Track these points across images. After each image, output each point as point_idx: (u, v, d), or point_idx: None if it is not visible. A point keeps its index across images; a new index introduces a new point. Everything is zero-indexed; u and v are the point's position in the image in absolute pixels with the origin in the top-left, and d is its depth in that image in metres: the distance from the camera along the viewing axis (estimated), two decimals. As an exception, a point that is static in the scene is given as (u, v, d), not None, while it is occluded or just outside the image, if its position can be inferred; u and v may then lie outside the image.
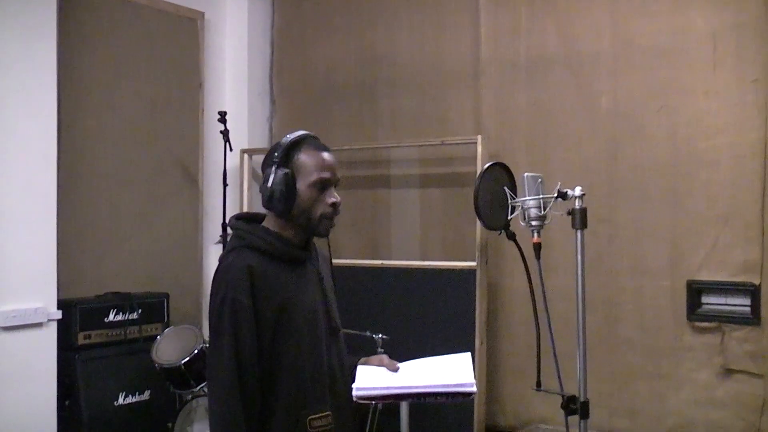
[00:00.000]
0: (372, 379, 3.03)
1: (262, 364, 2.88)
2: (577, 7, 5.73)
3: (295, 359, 2.92)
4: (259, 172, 6.81)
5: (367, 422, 5.56)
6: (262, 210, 3.12)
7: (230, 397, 2.81)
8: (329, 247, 3.24)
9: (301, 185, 2.95)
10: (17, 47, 5.25)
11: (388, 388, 2.99)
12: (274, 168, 2.95)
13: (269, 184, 2.94)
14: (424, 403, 3.09)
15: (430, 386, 2.98)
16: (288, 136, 3.04)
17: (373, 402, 3.11)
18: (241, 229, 3.03)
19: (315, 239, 3.18)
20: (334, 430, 3.01)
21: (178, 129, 7.01)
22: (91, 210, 6.29)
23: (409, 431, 5.45)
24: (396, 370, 3.09)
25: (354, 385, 2.98)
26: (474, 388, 2.95)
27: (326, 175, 2.98)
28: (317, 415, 2.94)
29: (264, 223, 3.06)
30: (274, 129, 7.32)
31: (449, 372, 3.06)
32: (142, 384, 6.06)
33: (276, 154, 2.98)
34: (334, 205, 3.00)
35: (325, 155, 3.02)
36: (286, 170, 2.94)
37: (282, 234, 3.00)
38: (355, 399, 2.96)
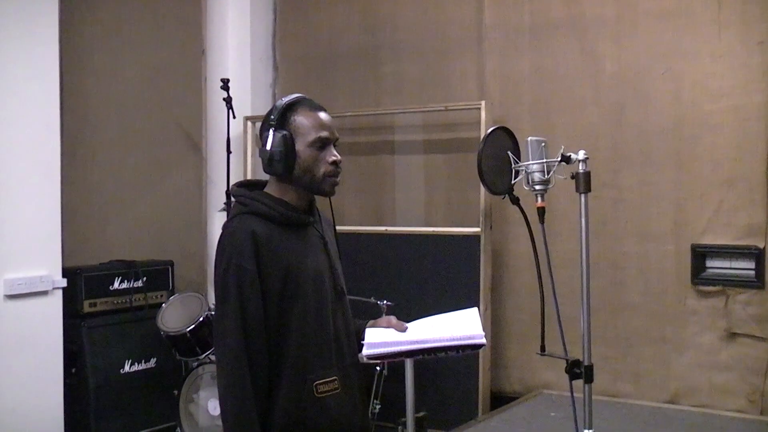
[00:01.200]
0: (381, 338, 3.03)
1: (269, 330, 2.88)
2: (581, -30, 5.70)
3: (302, 324, 2.92)
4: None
5: (372, 388, 5.59)
6: (266, 177, 3.11)
7: (238, 362, 2.81)
8: (332, 212, 3.23)
9: (300, 145, 2.94)
10: (19, 13, 5.21)
11: (397, 343, 2.99)
12: (271, 131, 2.94)
13: (268, 147, 2.94)
14: (435, 358, 3.07)
15: (440, 340, 2.97)
16: (282, 99, 3.03)
17: (383, 361, 3.11)
18: (243, 196, 3.01)
19: (318, 205, 3.18)
20: (341, 394, 3.01)
21: (181, 96, 7.01)
22: (95, 177, 6.31)
23: (414, 397, 5.47)
24: (404, 330, 3.09)
25: (364, 343, 2.99)
26: (483, 340, 2.95)
27: (324, 133, 2.97)
28: (323, 380, 2.94)
29: (266, 189, 3.05)
30: (278, 96, 7.28)
31: (458, 325, 3.06)
32: (147, 351, 6.10)
33: (272, 117, 2.97)
34: (335, 163, 2.99)
35: (322, 114, 3.01)
36: (284, 132, 2.93)
37: (284, 198, 2.99)
38: (365, 358, 2.96)
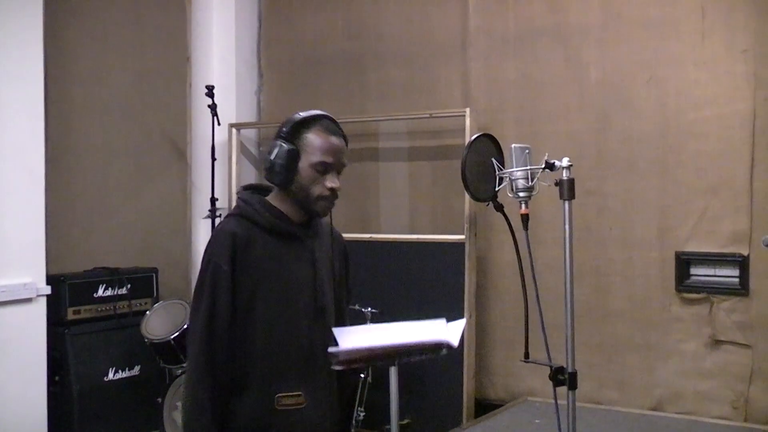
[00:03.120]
0: (348, 339, 3.02)
1: (236, 333, 2.89)
2: (566, -23, 5.71)
3: (269, 333, 2.93)
4: (248, 146, 6.83)
5: (357, 395, 5.57)
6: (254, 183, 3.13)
7: (200, 356, 2.85)
8: (332, 227, 3.23)
9: (303, 164, 2.94)
10: (3, 19, 5.19)
11: (362, 345, 2.98)
12: (279, 142, 2.94)
13: (272, 156, 2.94)
14: (405, 363, 3.07)
15: (408, 341, 2.98)
16: (300, 113, 3.01)
17: (353, 366, 3.09)
18: (241, 198, 3.04)
19: (333, 226, 3.21)
20: (307, 409, 3.00)
21: (165, 103, 7.01)
22: (79, 184, 6.30)
23: (398, 404, 5.45)
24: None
25: (329, 348, 2.97)
26: (454, 342, 2.95)
27: (329, 159, 2.96)
28: (287, 393, 2.95)
29: (269, 196, 3.06)
30: (262, 103, 7.28)
31: (427, 329, 3.06)
32: (131, 359, 6.09)
33: (284, 129, 2.97)
34: (332, 190, 2.98)
35: (334, 139, 3.00)
36: (291, 146, 2.93)
37: (281, 209, 3.00)
38: (332, 361, 2.94)
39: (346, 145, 3.10)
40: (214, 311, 2.86)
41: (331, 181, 2.98)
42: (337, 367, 2.97)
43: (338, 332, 3.05)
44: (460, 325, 3.15)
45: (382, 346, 3.02)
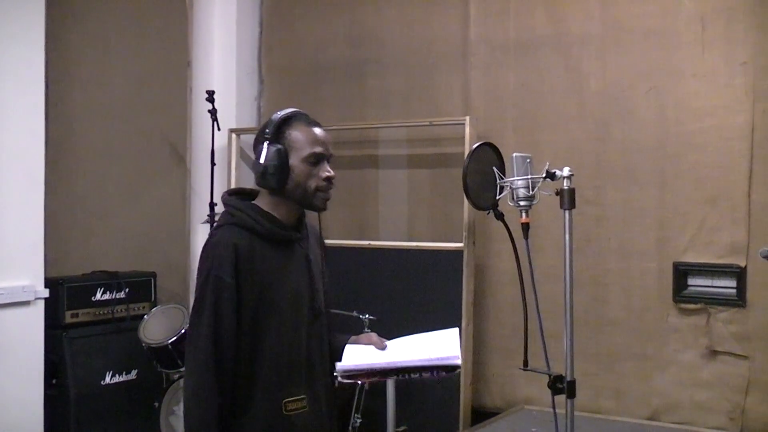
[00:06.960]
0: (357, 356, 3.04)
1: (242, 344, 2.89)
2: (567, -13, 5.72)
3: (275, 341, 2.93)
4: (248, 151, 6.82)
5: (353, 403, 5.58)
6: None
7: (206, 370, 2.82)
8: (320, 227, 3.23)
9: (294, 160, 2.95)
10: (4, 22, 5.20)
11: (370, 364, 3.00)
12: (266, 144, 2.94)
13: (262, 160, 2.93)
14: (410, 380, 3.08)
15: (413, 361, 2.99)
16: (278, 112, 3.03)
17: (359, 381, 3.12)
18: (232, 206, 3.01)
19: (306, 220, 3.18)
20: (308, 413, 3.02)
21: (166, 107, 7.02)
22: (79, 187, 6.31)
23: (395, 412, 5.47)
24: (384, 348, 3.10)
25: (338, 364, 2.99)
26: (458, 361, 2.96)
27: (319, 149, 2.98)
28: (292, 398, 2.96)
29: (256, 201, 3.04)
30: (263, 108, 7.29)
31: (435, 346, 3.07)
32: (129, 363, 6.09)
33: (267, 130, 2.97)
34: (328, 179, 2.99)
35: (317, 130, 3.01)
36: (279, 146, 2.93)
37: (274, 213, 2.99)
38: (338, 376, 2.97)
39: None
40: (219, 324, 2.84)
41: (324, 170, 3.00)
42: (345, 381, 3.00)
43: (348, 352, 3.08)
44: (455, 336, 3.16)
45: (386, 368, 3.03)
